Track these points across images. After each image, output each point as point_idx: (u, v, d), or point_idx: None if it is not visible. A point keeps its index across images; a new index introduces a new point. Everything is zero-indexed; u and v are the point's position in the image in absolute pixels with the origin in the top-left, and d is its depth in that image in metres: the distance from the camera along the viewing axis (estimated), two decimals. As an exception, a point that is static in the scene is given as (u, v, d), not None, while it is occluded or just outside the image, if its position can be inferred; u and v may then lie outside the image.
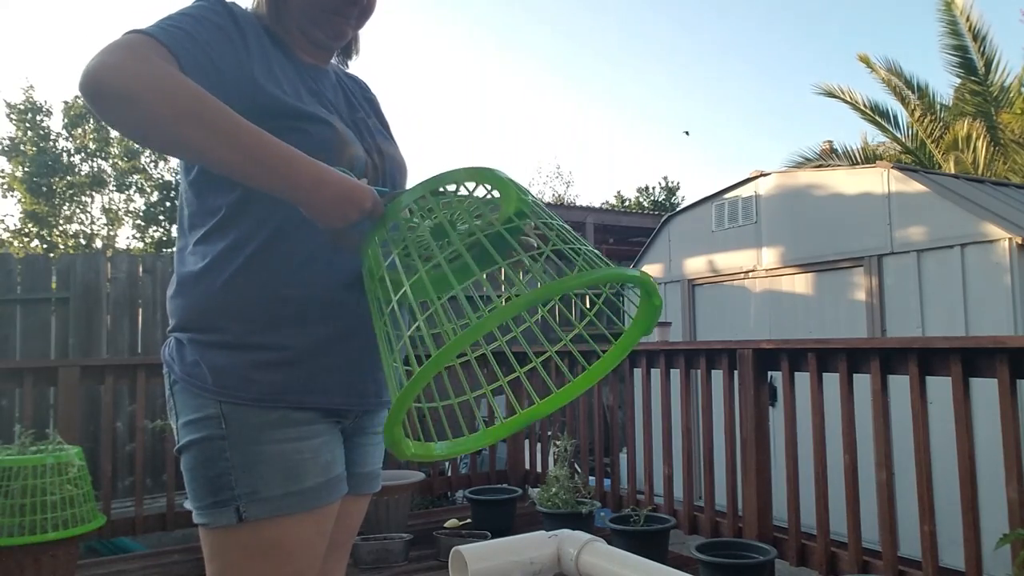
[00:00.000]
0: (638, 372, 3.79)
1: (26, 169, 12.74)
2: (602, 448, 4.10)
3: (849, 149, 11.01)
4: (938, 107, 10.27)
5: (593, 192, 43.42)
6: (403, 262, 0.94)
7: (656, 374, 3.65)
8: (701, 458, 3.39)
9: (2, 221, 13.75)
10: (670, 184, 20.34)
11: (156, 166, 13.69)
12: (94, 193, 13.62)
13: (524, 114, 37.12)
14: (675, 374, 3.53)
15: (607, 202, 20.80)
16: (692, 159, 37.92)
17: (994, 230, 4.04)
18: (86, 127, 13.19)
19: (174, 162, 12.86)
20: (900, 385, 2.61)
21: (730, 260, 5.72)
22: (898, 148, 10.63)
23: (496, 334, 0.95)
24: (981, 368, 2.38)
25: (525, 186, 0.99)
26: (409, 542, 3.28)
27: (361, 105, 1.27)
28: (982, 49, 9.63)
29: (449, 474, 4.70)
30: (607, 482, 3.95)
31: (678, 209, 6.56)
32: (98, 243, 13.90)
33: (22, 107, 12.89)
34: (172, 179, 13.47)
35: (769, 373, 3.14)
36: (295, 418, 1.06)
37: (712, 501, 3.31)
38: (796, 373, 2.98)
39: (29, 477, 2.69)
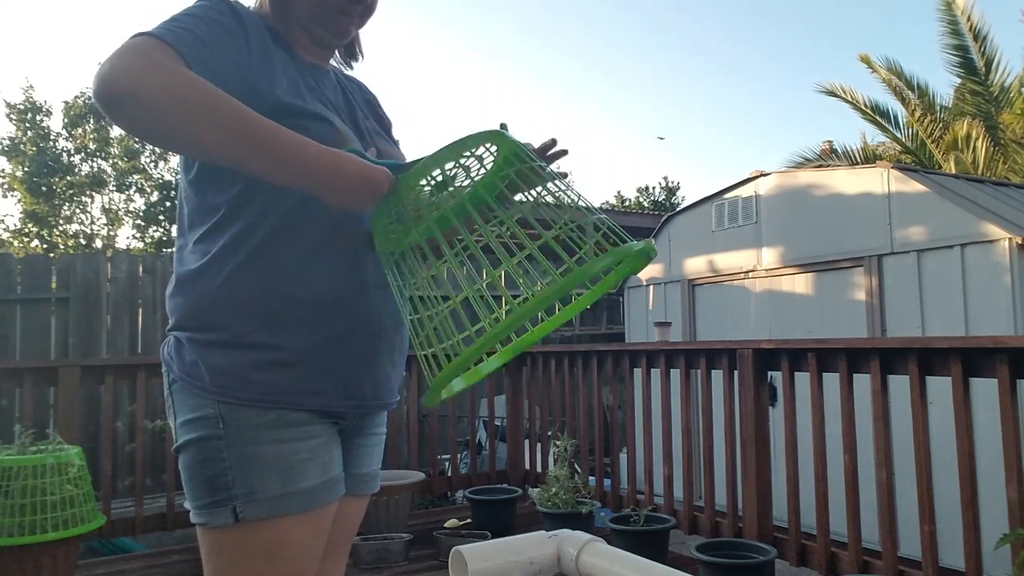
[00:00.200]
0: (638, 372, 3.79)
1: (26, 169, 12.74)
2: (602, 448, 4.10)
3: (849, 149, 11.02)
4: (938, 107, 10.27)
5: (593, 192, 43.41)
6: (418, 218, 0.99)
7: (656, 374, 3.65)
8: (701, 458, 3.39)
9: (2, 221, 13.75)
10: (670, 184, 20.33)
11: (156, 166, 13.69)
12: (94, 193, 13.61)
13: (524, 115, 37.12)
14: (675, 374, 3.53)
15: (607, 202, 20.82)
16: (692, 159, 37.91)
17: (994, 230, 4.04)
18: (86, 127, 13.18)
19: (174, 162, 12.87)
20: (900, 385, 2.61)
21: (730, 260, 5.72)
22: (898, 148, 10.64)
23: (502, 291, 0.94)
24: (981, 368, 2.38)
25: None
26: (409, 542, 3.28)
27: (360, 107, 1.27)
28: (983, 49, 9.63)
29: (449, 474, 4.70)
30: (607, 482, 3.95)
31: (678, 209, 6.56)
32: (98, 243, 13.90)
33: (22, 107, 12.89)
34: (172, 179, 13.47)
35: (769, 373, 3.14)
36: (293, 419, 1.06)
37: (712, 501, 3.31)
38: (796, 373, 2.98)
39: (29, 477, 2.69)
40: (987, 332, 3.93)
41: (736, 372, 3.18)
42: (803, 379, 2.92)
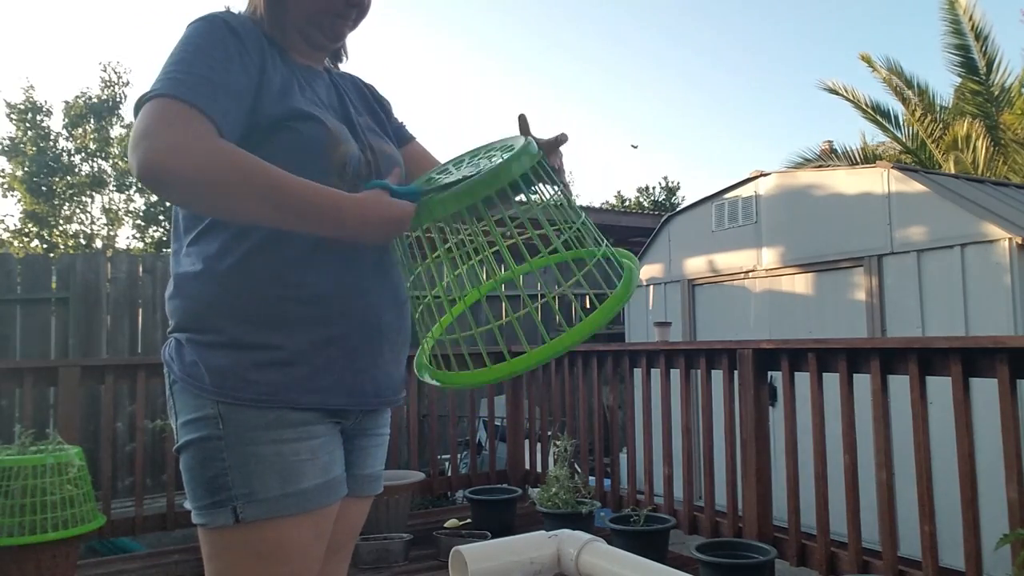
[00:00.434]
0: (638, 372, 3.79)
1: (26, 169, 12.73)
2: (602, 448, 4.10)
3: (849, 149, 11.02)
4: (938, 107, 10.27)
5: (593, 192, 43.41)
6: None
7: (656, 374, 3.65)
8: (701, 458, 3.39)
9: (2, 221, 13.73)
10: (670, 184, 20.33)
11: (156, 166, 13.66)
12: (94, 193, 13.61)
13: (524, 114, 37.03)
14: (675, 374, 3.53)
15: (607, 202, 20.81)
16: (692, 159, 37.90)
17: (994, 230, 4.04)
18: (86, 127, 13.18)
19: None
20: (900, 385, 2.61)
21: (730, 260, 5.72)
22: (898, 148, 10.64)
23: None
24: (981, 368, 2.38)
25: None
26: (409, 542, 3.28)
27: (354, 103, 1.28)
28: (984, 49, 9.62)
29: (449, 474, 4.70)
30: (607, 482, 3.95)
31: (678, 209, 6.56)
32: (98, 243, 13.89)
33: (22, 107, 12.88)
34: (172, 179, 13.41)
35: (769, 373, 3.14)
36: (293, 419, 1.06)
37: (712, 501, 3.31)
38: (796, 373, 2.98)
39: (29, 477, 2.69)
40: (987, 332, 3.93)
41: (736, 372, 3.18)
42: (803, 379, 2.92)
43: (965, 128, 9.01)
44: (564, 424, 4.23)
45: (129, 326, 5.95)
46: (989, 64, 9.71)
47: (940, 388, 2.54)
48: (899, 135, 10.46)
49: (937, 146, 9.63)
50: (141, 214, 13.74)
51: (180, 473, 1.08)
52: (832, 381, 2.80)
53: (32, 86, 14.29)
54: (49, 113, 13.13)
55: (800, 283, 5.22)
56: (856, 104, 10.47)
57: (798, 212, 5.25)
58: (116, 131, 13.26)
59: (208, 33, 1.07)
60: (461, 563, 1.53)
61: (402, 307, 1.20)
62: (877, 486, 2.60)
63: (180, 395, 1.08)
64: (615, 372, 4.01)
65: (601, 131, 38.22)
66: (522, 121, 1.18)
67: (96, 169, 13.39)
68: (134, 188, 13.62)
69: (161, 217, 13.45)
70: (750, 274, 5.57)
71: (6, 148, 12.83)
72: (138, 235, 13.93)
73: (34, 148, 12.82)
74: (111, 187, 13.64)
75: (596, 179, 37.71)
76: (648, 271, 6.45)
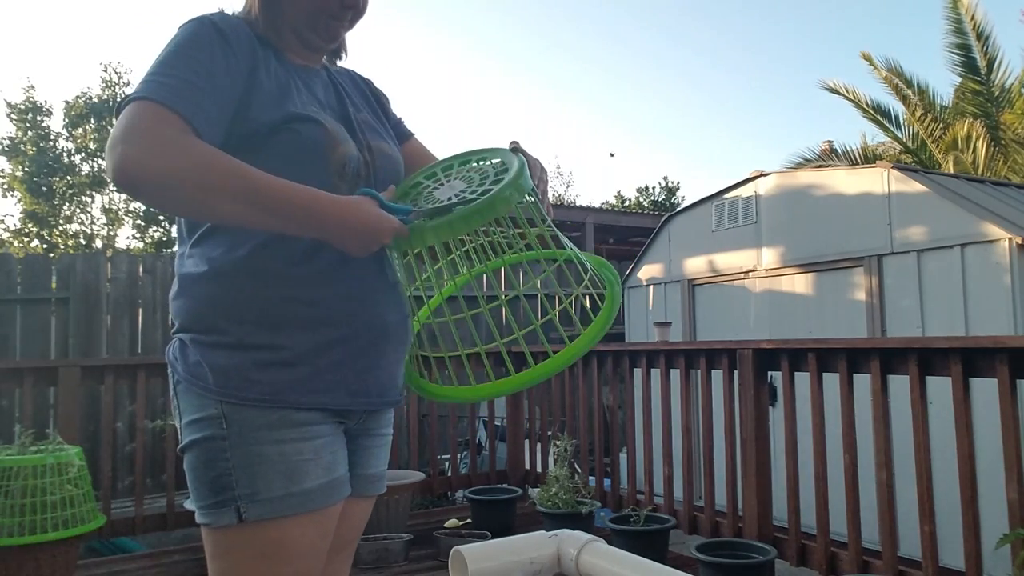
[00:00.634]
0: (638, 372, 3.79)
1: (26, 169, 12.74)
2: (602, 448, 4.10)
3: (849, 149, 11.01)
4: (938, 107, 10.27)
5: (593, 192, 43.41)
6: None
7: (656, 374, 3.65)
8: (701, 458, 3.39)
9: (2, 221, 13.75)
10: (670, 184, 20.35)
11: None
12: (94, 193, 13.61)
13: (524, 114, 37.09)
14: (675, 374, 3.53)
15: (607, 202, 20.82)
16: (692, 159, 37.90)
17: (994, 230, 4.04)
18: (86, 127, 13.18)
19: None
20: (900, 385, 2.61)
21: (730, 260, 5.72)
22: (898, 148, 10.63)
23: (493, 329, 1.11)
24: (981, 368, 2.38)
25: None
26: (409, 542, 3.28)
27: (352, 100, 1.27)
28: (985, 48, 9.62)
29: (449, 474, 4.70)
30: (607, 482, 3.95)
31: (678, 209, 6.56)
32: (98, 243, 13.90)
33: (22, 107, 12.89)
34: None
35: (769, 373, 3.14)
36: (296, 419, 1.06)
37: (712, 501, 3.31)
38: (796, 373, 2.98)
39: (29, 477, 2.69)
40: (987, 332, 3.93)
41: (736, 372, 3.18)
42: (803, 379, 2.92)
43: (965, 128, 9.01)
44: (564, 424, 4.23)
45: (129, 326, 5.95)
46: (990, 64, 9.71)
47: (940, 388, 2.54)
48: (899, 135, 10.46)
49: (937, 146, 9.63)
50: (141, 214, 13.74)
51: (180, 473, 1.09)
52: (832, 381, 2.80)
53: (32, 86, 14.32)
54: (49, 113, 13.14)
55: (800, 283, 5.22)
56: (856, 104, 10.47)
57: (798, 212, 5.25)
58: (116, 131, 13.25)
59: (194, 36, 1.06)
60: (461, 563, 1.53)
61: (403, 305, 1.21)
62: (877, 486, 2.60)
63: (184, 395, 1.08)
64: (615, 372, 4.01)
65: (601, 131, 38.24)
66: (513, 144, 1.19)
67: (96, 169, 13.40)
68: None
69: (161, 217, 13.46)
70: (750, 274, 5.57)
71: (6, 148, 12.83)
72: (138, 235, 13.94)
73: (34, 148, 12.83)
74: (111, 187, 13.64)
75: (596, 179, 37.72)
76: (648, 271, 6.45)
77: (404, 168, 1.29)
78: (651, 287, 6.43)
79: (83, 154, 13.31)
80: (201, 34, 1.07)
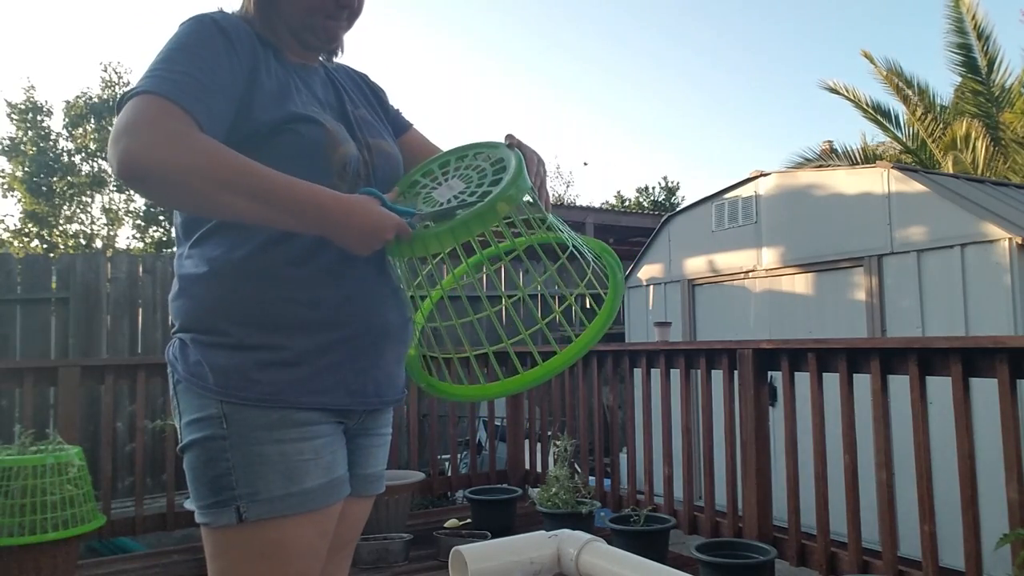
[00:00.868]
0: (638, 372, 3.79)
1: (26, 169, 12.74)
2: (602, 448, 4.10)
3: (849, 149, 11.01)
4: (938, 107, 10.27)
5: (593, 192, 43.40)
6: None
7: (656, 374, 3.65)
8: (701, 458, 3.39)
9: (2, 221, 13.75)
10: (670, 184, 20.36)
11: (156, 166, 13.66)
12: (94, 193, 13.61)
13: (524, 114, 37.09)
14: (675, 374, 3.53)
15: (607, 202, 20.82)
16: (692, 159, 37.91)
17: (994, 230, 4.04)
18: (87, 127, 13.18)
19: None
20: (900, 385, 2.61)
21: (730, 260, 5.72)
22: (898, 148, 10.63)
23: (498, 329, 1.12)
24: (981, 368, 2.38)
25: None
26: (409, 542, 3.28)
27: (350, 96, 1.27)
28: (986, 48, 9.62)
29: (449, 474, 4.70)
30: (607, 482, 3.95)
31: (678, 209, 6.55)
32: (98, 243, 13.90)
33: (22, 107, 12.89)
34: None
35: (769, 373, 3.14)
36: (296, 418, 1.06)
37: (712, 501, 3.31)
38: (796, 373, 2.98)
39: (29, 477, 2.69)
40: (987, 332, 3.93)
41: (736, 372, 3.18)
42: (803, 379, 2.92)
43: (965, 128, 9.00)
44: (564, 424, 4.23)
45: (129, 326, 5.95)
46: (990, 64, 9.71)
47: (940, 388, 2.54)
48: (899, 135, 10.46)
49: (937, 146, 9.63)
50: (141, 214, 13.74)
51: (180, 473, 1.09)
52: (832, 381, 2.80)
53: (32, 86, 14.32)
54: (49, 113, 13.14)
55: (800, 283, 5.22)
56: (857, 104, 10.47)
57: (798, 212, 5.25)
58: (116, 131, 13.26)
59: (196, 32, 1.06)
60: (461, 563, 1.53)
61: (403, 306, 1.21)
62: (877, 486, 2.60)
63: (184, 395, 1.08)
64: (615, 372, 4.01)
65: (601, 131, 38.23)
66: (509, 139, 1.18)
67: (96, 169, 13.40)
68: (134, 188, 13.63)
69: (161, 217, 13.46)
70: (750, 274, 5.57)
71: (6, 148, 12.83)
72: (138, 235, 13.94)
73: (34, 148, 12.83)
74: (111, 187, 13.65)
75: (596, 179, 37.71)
76: (648, 271, 6.45)
77: (404, 161, 1.29)
78: (651, 287, 6.43)
79: (83, 154, 13.31)
80: (203, 31, 1.07)
